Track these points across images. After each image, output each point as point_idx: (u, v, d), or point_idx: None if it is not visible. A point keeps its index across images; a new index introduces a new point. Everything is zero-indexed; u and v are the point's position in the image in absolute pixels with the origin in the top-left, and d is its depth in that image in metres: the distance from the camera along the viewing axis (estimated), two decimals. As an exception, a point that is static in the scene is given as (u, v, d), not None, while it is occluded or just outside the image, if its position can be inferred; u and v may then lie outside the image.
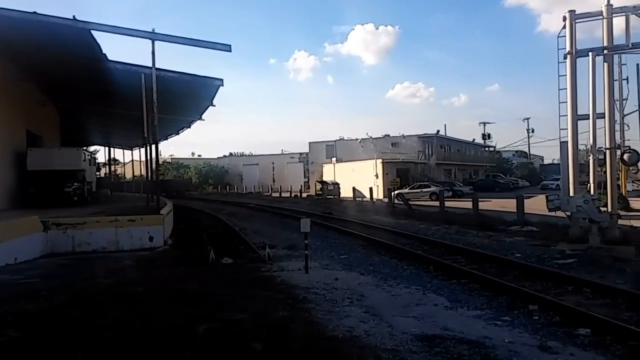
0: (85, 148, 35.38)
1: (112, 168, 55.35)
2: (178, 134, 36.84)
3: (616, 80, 14.87)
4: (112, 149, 48.89)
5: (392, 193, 35.03)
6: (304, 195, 54.30)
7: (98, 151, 51.12)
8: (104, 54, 17.91)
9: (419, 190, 43.02)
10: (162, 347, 5.67)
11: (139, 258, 12.85)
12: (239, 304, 7.89)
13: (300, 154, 75.04)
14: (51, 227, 13.80)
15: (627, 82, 24.89)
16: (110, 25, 16.83)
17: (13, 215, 15.96)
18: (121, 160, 57.10)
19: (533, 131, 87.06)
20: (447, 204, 28.39)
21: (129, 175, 57.95)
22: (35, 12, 15.74)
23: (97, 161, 43.62)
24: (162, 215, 15.83)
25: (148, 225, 14.82)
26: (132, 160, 48.54)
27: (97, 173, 42.90)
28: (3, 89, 21.95)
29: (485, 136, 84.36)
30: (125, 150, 49.62)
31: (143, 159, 29.68)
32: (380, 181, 48.32)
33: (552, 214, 15.37)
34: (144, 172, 33.84)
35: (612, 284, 9.59)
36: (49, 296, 8.36)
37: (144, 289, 8.86)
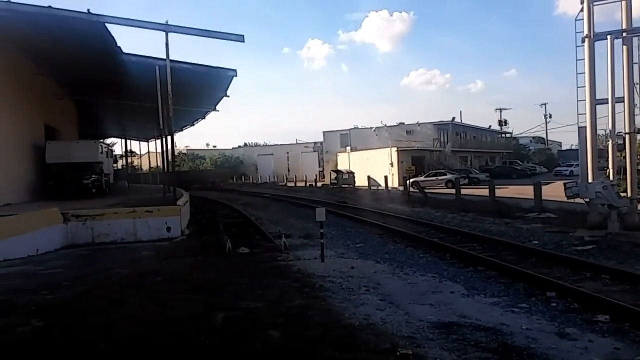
0: (102, 140, 35.79)
1: (129, 160, 55.89)
2: (193, 125, 37.01)
3: (636, 63, 14.54)
4: (128, 140, 49.31)
5: (408, 181, 34.90)
6: (319, 184, 54.29)
7: (115, 143, 51.67)
8: (119, 47, 18.03)
9: (434, 178, 42.79)
10: (182, 335, 5.76)
11: (157, 248, 13.01)
12: (256, 293, 7.98)
13: (315, 143, 74.97)
14: (71, 219, 14.04)
15: (647, 65, 24.43)
16: (124, 18, 16.92)
17: (33, 207, 16.25)
18: (137, 152, 57.64)
19: (551, 116, 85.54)
20: (463, 191, 28.16)
21: (145, 167, 58.45)
22: (50, 7, 15.87)
23: (114, 153, 44.08)
24: (179, 205, 15.98)
25: (165, 215, 15.00)
26: (149, 152, 48.95)
27: (114, 165, 43.38)
28: (21, 83, 22.27)
29: (502, 122, 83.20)
30: (141, 142, 50.04)
31: (159, 150, 29.91)
32: (395, 169, 48.13)
33: (571, 200, 15.19)
34: (160, 164, 34.12)
35: (632, 270, 9.46)
36: (70, 286, 8.53)
37: (163, 279, 9.00)
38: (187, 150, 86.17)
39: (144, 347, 5.46)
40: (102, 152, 27.16)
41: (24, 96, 22.60)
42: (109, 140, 47.69)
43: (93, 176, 23.89)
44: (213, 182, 56.90)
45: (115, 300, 7.35)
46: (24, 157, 22.35)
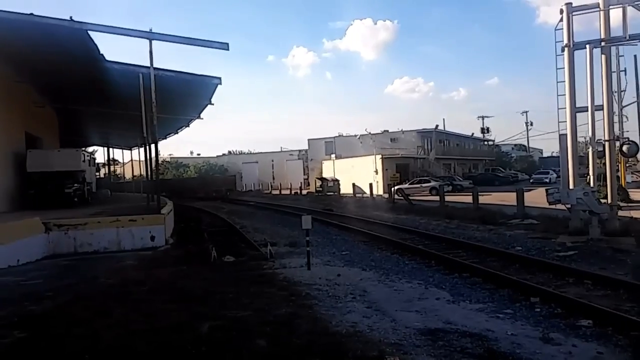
0: (84, 149, 35.41)
1: (112, 168, 55.27)
2: (177, 133, 36.75)
3: (614, 72, 14.90)
4: (111, 149, 48.82)
5: (392, 188, 35.06)
6: (304, 192, 54.29)
7: (97, 151, 51.15)
8: (102, 54, 17.86)
9: (418, 185, 43.07)
10: (168, 345, 5.70)
11: (141, 258, 12.88)
12: (242, 302, 7.94)
13: (300, 150, 74.96)
14: (53, 229, 13.83)
15: (625, 74, 25.13)
16: (107, 26, 16.79)
17: (14, 217, 15.99)
18: (120, 161, 57.07)
19: (532, 124, 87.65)
20: (447, 198, 28.41)
21: (128, 176, 57.81)
22: (32, 14, 15.70)
23: (96, 162, 43.60)
24: (163, 214, 15.85)
25: (149, 224, 14.86)
26: (132, 160, 48.48)
27: (97, 173, 42.90)
28: (1, 91, 21.93)
29: (484, 130, 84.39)
30: (124, 150, 49.56)
31: (142, 158, 29.68)
32: (379, 177, 48.31)
33: (552, 206, 15.41)
34: (143, 172, 33.83)
35: (613, 275, 9.63)
36: (53, 297, 8.40)
37: (147, 288, 8.90)
38: (171, 158, 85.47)
39: (130, 357, 5.40)
40: (84, 161, 26.84)
41: (4, 104, 22.24)
42: (91, 149, 47.21)
43: (75, 185, 23.57)
44: (217, 190, 53.94)
45: (100, 311, 7.25)
46: (5, 166, 21.95)
